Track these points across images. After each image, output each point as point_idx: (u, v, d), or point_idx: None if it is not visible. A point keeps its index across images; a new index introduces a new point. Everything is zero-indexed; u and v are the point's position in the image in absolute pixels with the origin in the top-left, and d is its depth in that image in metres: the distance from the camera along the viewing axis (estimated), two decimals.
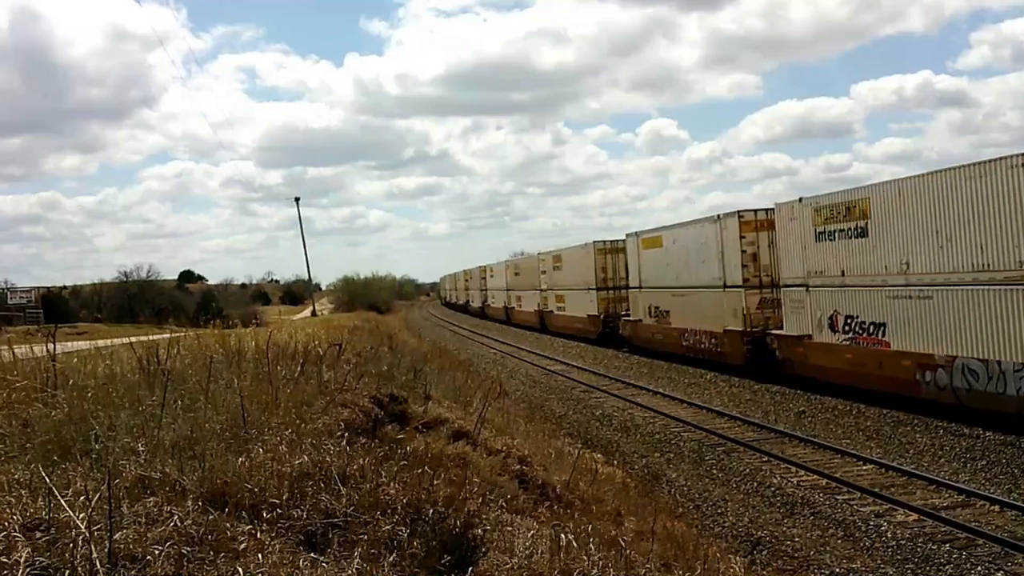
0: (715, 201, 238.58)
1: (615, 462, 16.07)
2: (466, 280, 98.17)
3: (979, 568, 10.19)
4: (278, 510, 5.03)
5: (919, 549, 10.98)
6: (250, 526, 4.74)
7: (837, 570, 10.56)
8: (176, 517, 4.51)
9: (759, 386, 24.85)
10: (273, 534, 4.79)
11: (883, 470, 14.89)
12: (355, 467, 6.11)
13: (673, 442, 18.58)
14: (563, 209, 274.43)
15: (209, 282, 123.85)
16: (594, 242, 43.93)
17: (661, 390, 26.05)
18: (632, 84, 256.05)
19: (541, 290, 55.81)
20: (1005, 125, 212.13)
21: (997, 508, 12.34)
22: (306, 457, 5.92)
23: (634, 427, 20.61)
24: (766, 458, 16.40)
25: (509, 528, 6.36)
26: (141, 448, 5.55)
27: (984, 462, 14.87)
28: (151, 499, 4.74)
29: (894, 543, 11.30)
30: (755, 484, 14.67)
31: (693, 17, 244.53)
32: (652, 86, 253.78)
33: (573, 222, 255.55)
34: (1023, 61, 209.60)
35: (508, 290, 69.67)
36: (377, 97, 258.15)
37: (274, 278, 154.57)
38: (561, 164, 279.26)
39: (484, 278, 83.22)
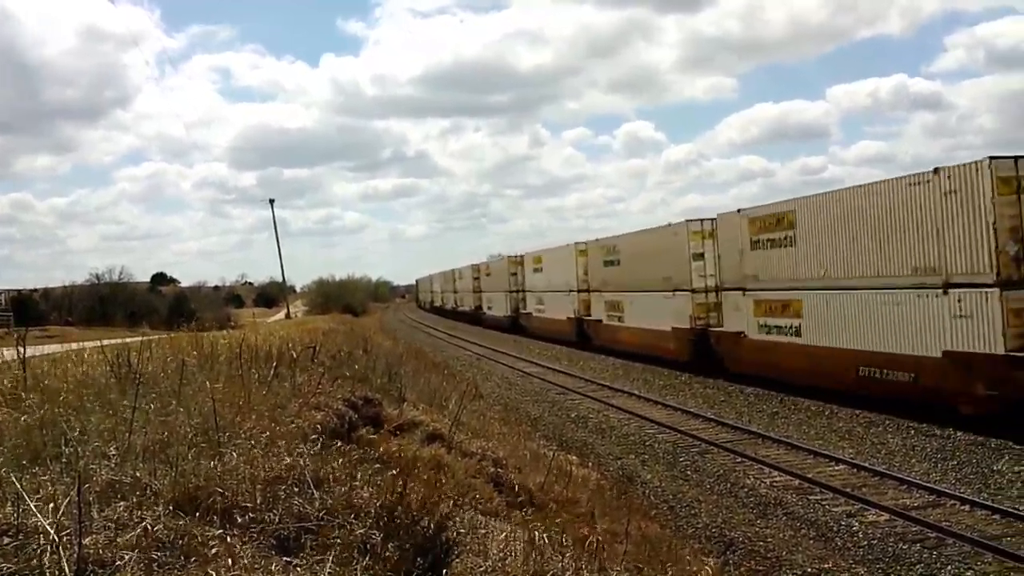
0: (691, 203, 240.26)
1: (590, 464, 16.10)
2: (442, 282, 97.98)
3: (949, 568, 10.30)
4: (250, 514, 5.02)
5: (890, 549, 11.09)
6: (222, 530, 4.72)
7: (809, 570, 10.64)
8: (147, 522, 4.49)
9: (733, 387, 25.00)
10: (245, 539, 4.77)
11: (855, 470, 15.02)
12: (328, 470, 6.09)
13: (648, 443, 18.65)
14: (540, 211, 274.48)
15: (182, 284, 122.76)
16: (575, 243, 44.80)
17: (636, 392, 26.15)
18: (610, 86, 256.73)
19: (512, 292, 57.64)
20: (979, 128, 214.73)
21: (967, 508, 12.48)
22: (279, 461, 5.90)
23: (609, 429, 20.67)
24: (740, 459, 16.50)
25: (483, 530, 6.37)
26: (112, 452, 5.53)
27: (955, 462, 15.04)
28: (122, 504, 4.72)
29: (866, 543, 11.41)
30: (728, 485, 14.76)
31: (671, 19, 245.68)
32: (630, 88, 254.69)
33: (551, 224, 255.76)
34: (997, 64, 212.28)
35: (479, 292, 70.29)
36: (353, 98, 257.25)
37: (248, 280, 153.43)
38: (539, 166, 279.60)
39: (455, 280, 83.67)
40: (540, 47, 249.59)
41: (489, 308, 65.86)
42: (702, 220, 29.50)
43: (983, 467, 14.55)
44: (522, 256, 56.79)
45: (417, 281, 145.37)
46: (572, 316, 43.90)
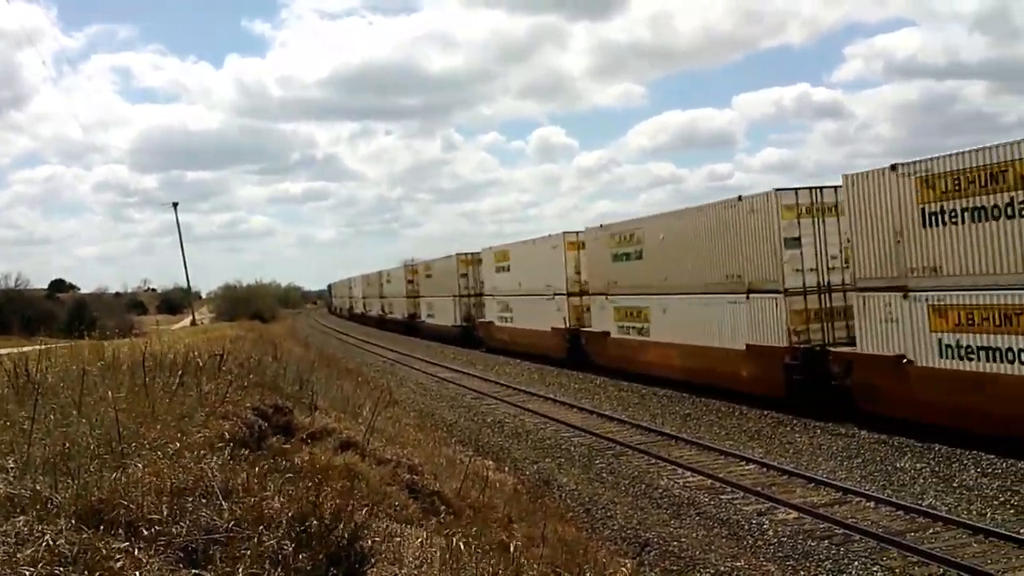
0: (603, 209, 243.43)
1: (506, 468, 16.09)
2: (365, 286, 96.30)
3: (856, 563, 10.57)
4: (156, 527, 4.91)
5: (799, 546, 11.34)
6: (127, 544, 4.61)
7: (722, 569, 10.80)
8: (48, 536, 4.37)
9: (647, 390, 25.33)
10: (151, 552, 4.66)
11: (765, 469, 15.34)
12: (238, 481, 5.94)
13: (564, 447, 18.73)
14: (454, 216, 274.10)
15: (82, 291, 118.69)
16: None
17: (552, 395, 26.27)
18: (522, 91, 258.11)
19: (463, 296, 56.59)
20: (877, 136, 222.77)
21: (872, 504, 12.85)
22: (186, 472, 5.73)
23: (525, 433, 20.70)
24: (654, 460, 16.70)
25: (398, 538, 6.27)
26: (11, 465, 5.40)
27: (859, 460, 15.50)
28: (21, 518, 4.59)
29: (776, 541, 11.64)
30: (643, 486, 14.91)
31: (581, 26, 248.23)
32: (542, 93, 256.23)
33: (464, 229, 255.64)
34: (895, 74, 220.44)
35: (415, 297, 69.77)
36: (259, 99, 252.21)
37: (151, 286, 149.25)
38: (452, 170, 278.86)
39: (382, 284, 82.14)
40: (451, 51, 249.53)
41: (430, 315, 56.57)
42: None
43: (887, 464, 15.01)
44: (478, 253, 47.57)
45: (330, 286, 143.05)
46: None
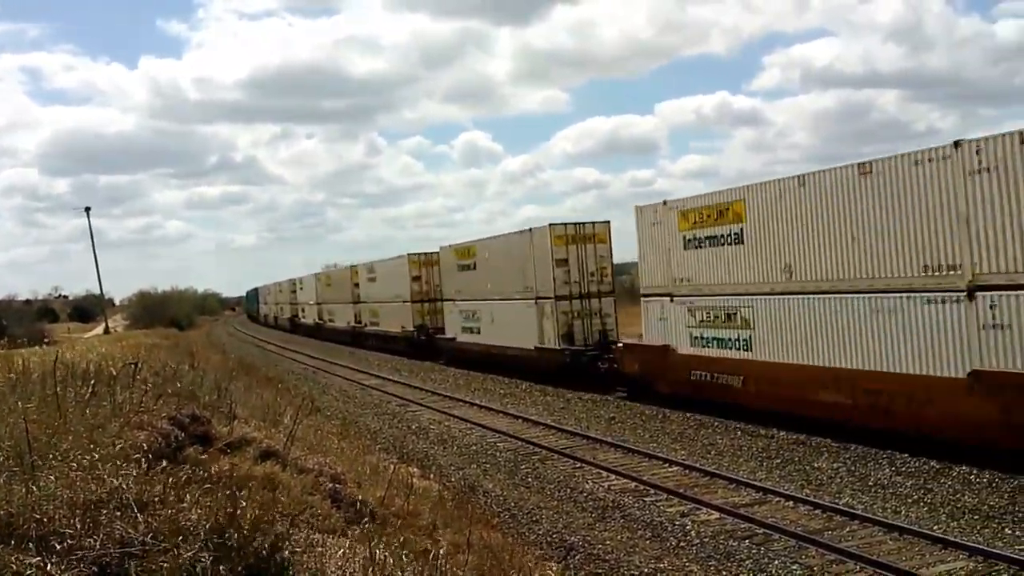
0: (529, 214, 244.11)
1: (431, 475, 15.99)
2: (267, 294, 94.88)
3: (776, 562, 10.76)
4: (70, 541, 4.80)
5: (721, 546, 11.50)
6: (39, 558, 4.51)
7: (646, 570, 10.88)
8: None
9: (572, 395, 25.47)
10: (64, 566, 4.56)
11: (687, 471, 15.54)
12: (154, 492, 5.78)
13: (489, 453, 18.70)
14: (378, 220, 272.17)
15: None
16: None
17: (478, 401, 26.23)
18: (447, 96, 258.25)
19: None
20: (794, 144, 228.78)
21: (791, 504, 13.11)
22: (100, 484, 5.56)
23: (451, 439, 20.61)
24: (579, 464, 16.77)
25: (320, 548, 6.16)
26: None
27: (779, 460, 15.81)
28: None
29: (698, 541, 11.78)
30: (568, 490, 14.96)
31: (505, 31, 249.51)
32: (467, 98, 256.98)
33: (389, 234, 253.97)
34: (812, 83, 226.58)
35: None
36: (176, 101, 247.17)
37: (63, 293, 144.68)
38: (376, 175, 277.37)
39: (303, 288, 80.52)
40: (374, 54, 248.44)
41: (374, 322, 51.10)
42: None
43: (804, 464, 15.35)
44: (432, 252, 42.50)
45: (250, 292, 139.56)
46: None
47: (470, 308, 35.50)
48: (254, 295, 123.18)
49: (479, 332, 34.78)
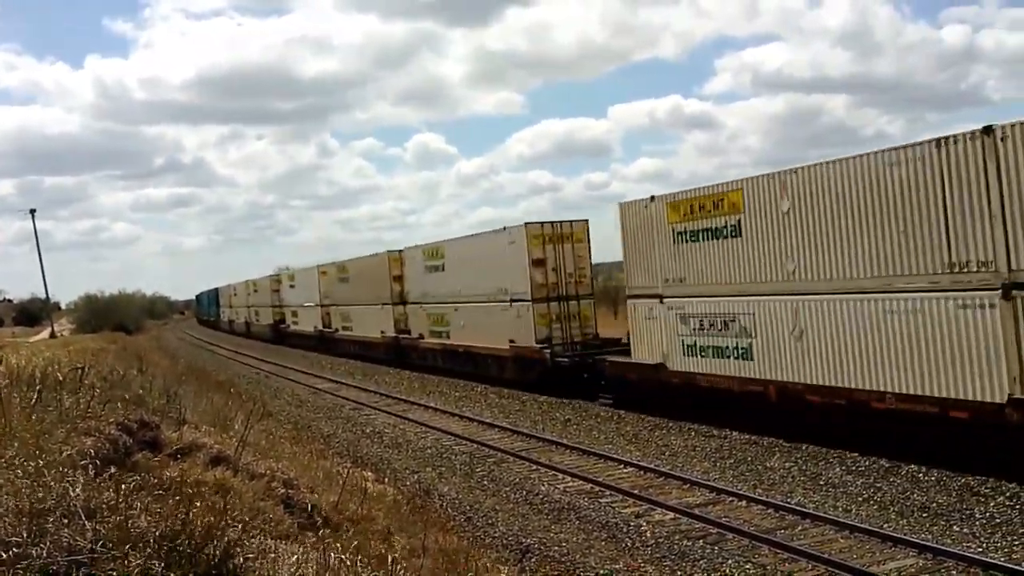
0: (484, 216, 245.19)
1: (386, 479, 15.87)
2: (231, 296, 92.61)
3: (730, 561, 10.85)
4: (15, 549, 4.66)
5: (676, 546, 11.56)
6: None
7: (601, 571, 10.90)
8: None
9: (527, 396, 25.49)
10: (10, 575, 4.46)
11: (642, 472, 15.62)
12: (102, 499, 5.66)
13: (445, 456, 18.63)
14: (330, 223, 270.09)
15: None
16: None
17: (433, 404, 26.12)
18: (399, 97, 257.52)
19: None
20: (746, 147, 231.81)
21: (744, 503, 13.23)
22: (46, 491, 5.43)
23: (405, 443, 20.50)
24: (534, 467, 16.78)
25: (273, 555, 6.06)
26: None
27: (732, 460, 15.95)
28: None
29: (653, 542, 11.84)
30: (524, 493, 14.95)
31: (459, 33, 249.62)
32: (420, 100, 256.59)
33: (341, 236, 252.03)
34: (762, 87, 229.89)
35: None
36: (122, 102, 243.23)
37: (7, 297, 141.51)
38: (328, 176, 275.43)
39: (246, 292, 79.16)
40: (325, 55, 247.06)
41: (346, 328, 46.51)
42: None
43: (757, 464, 15.50)
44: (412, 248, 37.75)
45: (198, 296, 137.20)
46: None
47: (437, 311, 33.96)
48: (212, 296, 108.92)
49: (447, 336, 33.12)
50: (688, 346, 19.74)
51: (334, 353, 47.86)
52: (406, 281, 37.81)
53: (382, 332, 40.00)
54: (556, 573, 10.99)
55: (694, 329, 19.51)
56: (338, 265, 48.84)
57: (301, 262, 67.14)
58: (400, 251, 39.07)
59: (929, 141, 13.83)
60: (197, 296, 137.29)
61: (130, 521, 5.33)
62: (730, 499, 13.53)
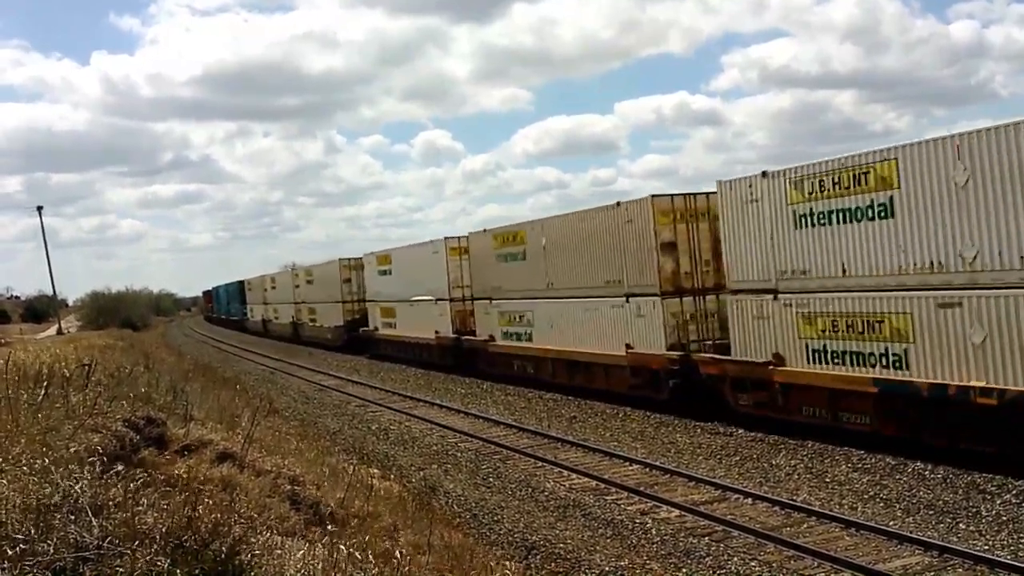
0: (490, 213, 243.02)
1: (392, 476, 15.89)
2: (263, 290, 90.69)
3: (735, 559, 10.84)
4: (23, 545, 4.71)
5: (681, 543, 11.56)
6: None
7: (607, 569, 10.90)
8: None
9: (533, 394, 25.48)
10: (16, 571, 4.51)
11: (648, 469, 15.61)
12: (109, 496, 5.68)
13: (450, 453, 18.64)
14: (336, 220, 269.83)
15: None
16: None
17: (438, 401, 26.14)
18: (405, 94, 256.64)
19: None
20: (752, 144, 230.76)
21: (750, 501, 13.22)
22: (54, 487, 5.46)
23: (411, 440, 20.51)
24: (540, 464, 16.78)
25: (279, 551, 6.09)
26: None
27: (737, 458, 15.94)
28: None
29: (658, 539, 11.84)
30: (530, 490, 14.96)
31: (464, 29, 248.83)
32: (426, 96, 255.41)
33: (347, 233, 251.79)
34: (769, 83, 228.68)
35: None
36: (128, 98, 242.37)
37: (14, 294, 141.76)
38: (334, 173, 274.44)
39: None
40: (331, 51, 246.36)
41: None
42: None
43: (763, 462, 15.48)
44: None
45: (204, 292, 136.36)
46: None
47: (516, 309, 27.68)
48: (233, 291, 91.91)
49: (528, 338, 27.02)
50: (815, 351, 16.51)
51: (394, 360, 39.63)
52: (471, 271, 31.95)
53: (436, 332, 34.49)
54: (561, 571, 10.99)
55: (822, 331, 16.28)
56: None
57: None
58: (467, 236, 32.80)
59: None
60: (207, 292, 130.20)
61: (137, 517, 5.35)
62: (736, 496, 13.52)
